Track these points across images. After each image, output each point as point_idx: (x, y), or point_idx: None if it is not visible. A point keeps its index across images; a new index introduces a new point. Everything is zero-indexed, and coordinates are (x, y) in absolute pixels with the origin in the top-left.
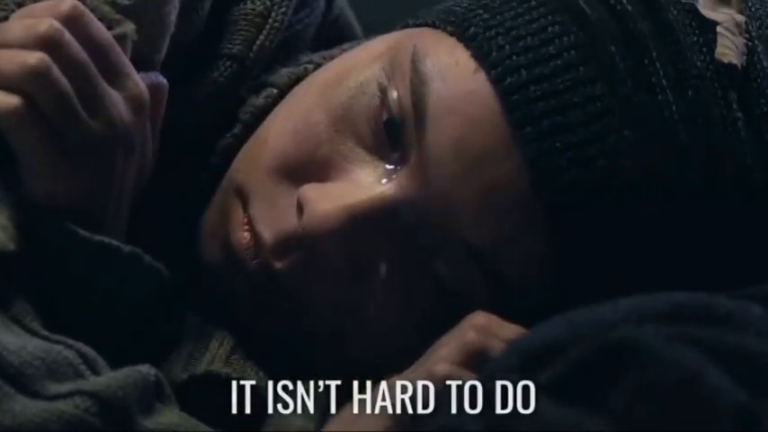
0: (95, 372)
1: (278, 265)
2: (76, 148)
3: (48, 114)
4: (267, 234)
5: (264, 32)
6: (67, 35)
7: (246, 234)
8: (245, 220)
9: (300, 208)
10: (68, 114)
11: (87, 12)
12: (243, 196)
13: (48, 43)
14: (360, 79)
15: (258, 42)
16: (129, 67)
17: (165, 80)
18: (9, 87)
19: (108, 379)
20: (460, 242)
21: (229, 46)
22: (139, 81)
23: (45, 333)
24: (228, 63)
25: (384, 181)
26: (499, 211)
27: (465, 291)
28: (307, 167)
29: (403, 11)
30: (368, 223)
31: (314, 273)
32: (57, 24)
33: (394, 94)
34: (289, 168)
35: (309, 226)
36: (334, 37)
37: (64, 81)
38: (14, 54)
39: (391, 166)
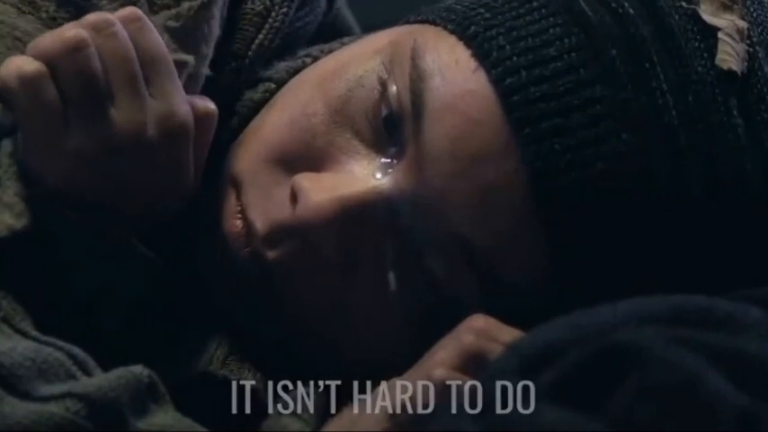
0: (87, 372)
1: (269, 254)
2: (82, 135)
3: (66, 92)
4: (260, 222)
5: (263, 32)
6: (117, 28)
7: (239, 222)
8: (238, 208)
9: (294, 197)
10: (87, 99)
11: (147, 21)
12: (236, 185)
13: (92, 27)
14: (359, 72)
15: (257, 41)
16: (178, 88)
17: (215, 107)
18: (37, 56)
19: (99, 380)
20: (455, 241)
21: (230, 44)
22: (186, 105)
23: (35, 334)
24: (228, 61)
25: (379, 175)
26: (495, 211)
27: (459, 292)
28: (302, 158)
29: (403, 11)
30: (361, 216)
31: (305, 264)
32: (108, 16)
33: (393, 89)
34: (284, 158)
35: (303, 215)
36: (333, 35)
37: (96, 64)
38: (56, 30)
39: (388, 160)
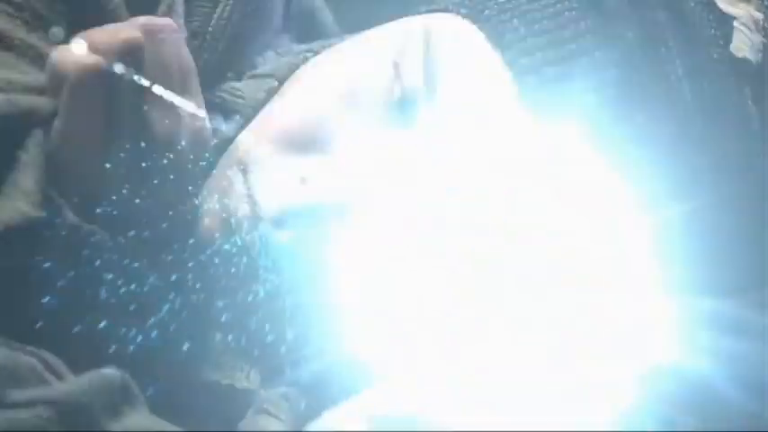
0: (59, 377)
1: (277, 237)
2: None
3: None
4: (267, 205)
5: (221, 6)
6: (165, 35)
7: (246, 206)
8: (246, 191)
9: (304, 180)
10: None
11: (181, 35)
12: (244, 168)
13: (144, 28)
14: (371, 56)
15: (215, 16)
16: (202, 102)
17: None
18: (96, 50)
19: (70, 385)
20: None
21: (190, 23)
22: (206, 120)
23: (3, 340)
24: (188, 41)
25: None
26: None
27: None
28: (311, 141)
29: (402, 11)
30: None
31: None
32: (157, 21)
33: (406, 71)
34: (293, 141)
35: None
36: (300, 16)
37: (146, 67)
38: (110, 28)
39: (400, 143)
